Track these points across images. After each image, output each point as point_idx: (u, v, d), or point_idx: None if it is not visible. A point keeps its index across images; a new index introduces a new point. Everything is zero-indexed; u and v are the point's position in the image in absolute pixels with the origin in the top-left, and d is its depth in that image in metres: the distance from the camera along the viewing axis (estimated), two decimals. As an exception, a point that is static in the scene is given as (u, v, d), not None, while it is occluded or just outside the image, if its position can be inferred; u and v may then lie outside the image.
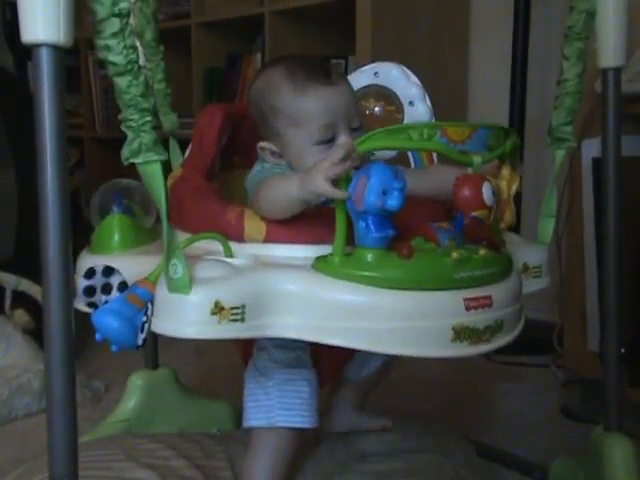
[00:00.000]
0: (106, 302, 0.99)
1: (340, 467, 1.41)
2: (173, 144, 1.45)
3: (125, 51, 0.87)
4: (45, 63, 0.82)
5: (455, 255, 0.98)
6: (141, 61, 1.28)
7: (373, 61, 1.47)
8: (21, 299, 2.11)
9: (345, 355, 1.37)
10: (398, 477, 1.36)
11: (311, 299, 0.96)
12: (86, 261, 1.14)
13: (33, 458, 1.41)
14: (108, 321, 0.94)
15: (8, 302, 2.10)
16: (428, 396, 1.89)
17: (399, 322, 0.96)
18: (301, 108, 1.16)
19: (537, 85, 2.36)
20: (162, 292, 0.94)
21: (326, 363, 1.28)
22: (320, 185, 0.94)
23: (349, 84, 1.22)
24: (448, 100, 2.70)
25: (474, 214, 0.99)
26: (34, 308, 2.07)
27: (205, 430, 1.56)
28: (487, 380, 2.11)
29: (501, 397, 2.01)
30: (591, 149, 1.80)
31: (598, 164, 1.77)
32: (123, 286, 1.02)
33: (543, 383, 2.08)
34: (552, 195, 1.27)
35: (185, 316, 0.92)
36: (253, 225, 1.07)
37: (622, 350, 1.27)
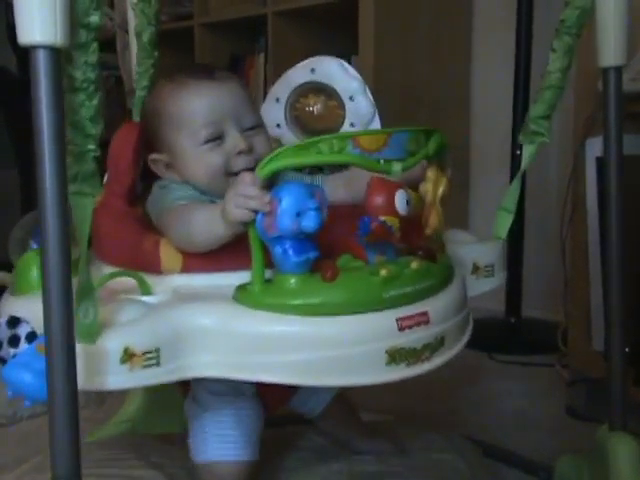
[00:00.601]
0: (15, 355, 0.93)
1: (343, 465, 1.37)
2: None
3: (84, 67, 0.83)
4: (42, 64, 0.78)
5: (384, 272, 0.92)
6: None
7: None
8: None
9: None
10: (414, 474, 1.34)
11: (229, 333, 0.91)
12: (5, 303, 1.07)
13: (35, 456, 1.43)
14: (18, 376, 0.89)
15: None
16: (430, 397, 1.87)
17: (327, 351, 0.91)
18: (181, 107, 1.12)
19: (539, 84, 2.32)
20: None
21: (269, 390, 1.21)
22: (237, 216, 0.90)
23: (239, 83, 1.18)
24: (450, 101, 2.69)
25: (382, 219, 0.93)
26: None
27: None
28: (491, 380, 2.09)
29: (505, 397, 1.98)
30: (595, 148, 1.78)
31: (602, 163, 1.74)
32: (32, 336, 0.94)
33: (548, 382, 2.05)
34: (515, 190, 1.24)
35: (96, 367, 0.87)
36: (169, 255, 1.02)
37: (626, 349, 1.23)
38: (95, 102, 0.85)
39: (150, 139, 1.19)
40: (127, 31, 1.51)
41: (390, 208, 0.93)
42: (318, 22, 2.88)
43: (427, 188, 0.98)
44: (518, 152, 1.26)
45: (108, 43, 2.80)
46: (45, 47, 0.78)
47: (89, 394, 1.88)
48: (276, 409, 1.29)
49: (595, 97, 1.46)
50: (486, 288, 1.20)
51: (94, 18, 0.82)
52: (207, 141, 1.12)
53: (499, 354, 2.19)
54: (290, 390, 1.32)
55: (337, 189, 1.13)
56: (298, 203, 0.88)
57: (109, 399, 1.91)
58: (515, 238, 2.25)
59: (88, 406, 1.83)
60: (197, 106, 1.12)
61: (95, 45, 0.84)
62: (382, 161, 0.94)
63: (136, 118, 1.32)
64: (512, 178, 1.32)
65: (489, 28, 2.66)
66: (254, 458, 1.17)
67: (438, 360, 0.97)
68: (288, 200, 0.88)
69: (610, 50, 1.15)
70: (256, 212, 0.89)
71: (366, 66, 2.45)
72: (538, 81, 2.14)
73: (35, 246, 1.17)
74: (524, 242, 2.33)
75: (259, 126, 1.16)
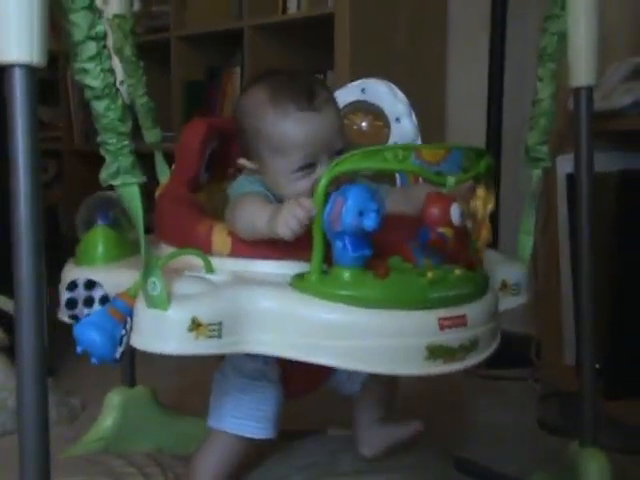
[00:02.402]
0: (88, 315, 1.01)
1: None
2: (159, 157, 1.47)
3: (102, 74, 0.88)
4: (18, 83, 0.82)
5: (430, 275, 1.00)
6: (120, 77, 1.31)
7: (352, 76, 1.48)
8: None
9: (321, 372, 1.37)
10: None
11: (287, 316, 0.97)
12: (70, 273, 1.16)
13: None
14: (89, 334, 0.96)
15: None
16: (407, 410, 1.87)
17: (374, 340, 0.97)
18: (282, 135, 1.15)
19: (513, 101, 2.38)
20: (141, 307, 0.95)
21: (298, 378, 1.30)
22: (282, 232, 0.98)
23: (334, 107, 1.21)
24: (426, 116, 2.64)
25: (440, 230, 1.01)
26: (8, 325, 2.05)
27: (182, 449, 1.54)
28: (465, 393, 2.12)
29: (479, 410, 2.01)
30: (565, 165, 1.83)
31: (572, 180, 1.80)
32: (105, 299, 1.03)
33: (520, 396, 2.09)
34: (530, 213, 1.29)
35: (162, 332, 0.94)
36: (220, 240, 1.10)
37: (597, 366, 1.28)
38: (119, 102, 0.90)
39: (241, 142, 1.24)
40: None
41: (446, 219, 1.01)
42: (294, 36, 2.88)
43: (477, 205, 1.06)
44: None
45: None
46: (21, 66, 0.82)
47: (61, 411, 1.86)
48: (298, 396, 1.35)
49: (564, 115, 1.48)
50: (512, 305, 1.25)
51: (100, 28, 0.87)
52: (300, 169, 1.15)
53: (472, 368, 2.17)
54: (314, 382, 1.39)
55: (395, 201, 1.17)
56: (362, 203, 0.95)
57: (81, 417, 1.90)
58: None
59: (59, 424, 1.81)
60: (297, 139, 1.14)
61: (106, 52, 0.88)
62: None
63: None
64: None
65: (463, 44, 2.70)
66: (265, 436, 1.26)
67: (470, 361, 1.05)
68: (353, 199, 0.95)
69: (581, 70, 1.21)
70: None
71: (342, 81, 2.38)
72: (511, 97, 2.20)
73: (101, 222, 1.24)
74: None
75: (346, 145, 1.19)
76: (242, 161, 1.23)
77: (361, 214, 0.94)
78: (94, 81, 0.87)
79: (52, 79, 3.72)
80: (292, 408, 1.32)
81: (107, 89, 0.88)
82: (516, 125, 2.38)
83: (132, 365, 1.61)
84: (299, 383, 1.32)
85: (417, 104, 1.43)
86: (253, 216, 1.06)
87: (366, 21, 2.53)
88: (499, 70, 2.34)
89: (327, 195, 0.97)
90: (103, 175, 0.91)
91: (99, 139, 0.91)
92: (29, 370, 0.86)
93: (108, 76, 0.88)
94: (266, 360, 1.23)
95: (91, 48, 0.86)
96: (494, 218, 1.11)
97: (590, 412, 1.29)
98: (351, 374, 1.39)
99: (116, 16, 1.38)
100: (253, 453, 1.32)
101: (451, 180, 1.02)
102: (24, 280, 0.85)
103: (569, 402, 1.84)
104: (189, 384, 2.06)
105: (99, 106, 0.89)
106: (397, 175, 1.40)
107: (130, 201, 0.93)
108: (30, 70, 0.82)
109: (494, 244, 1.26)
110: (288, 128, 1.14)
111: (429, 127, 2.74)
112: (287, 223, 0.97)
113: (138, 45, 1.41)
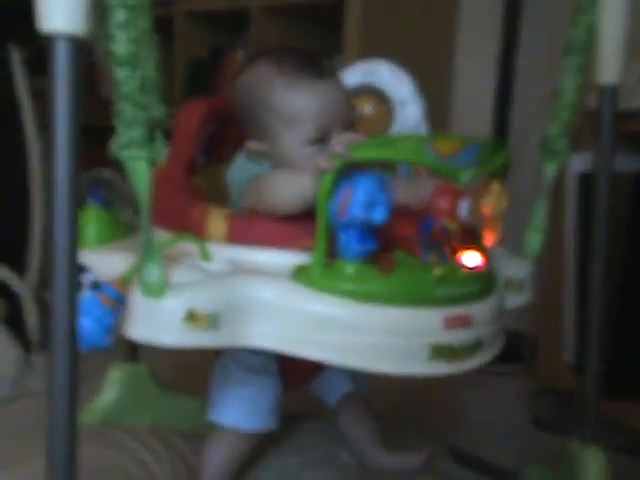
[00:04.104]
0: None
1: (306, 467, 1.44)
2: (158, 137, 1.42)
3: (127, 43, 0.86)
4: (62, 54, 0.79)
5: (437, 272, 0.97)
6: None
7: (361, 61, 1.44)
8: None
9: (312, 368, 1.35)
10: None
11: (288, 310, 0.94)
12: None
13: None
14: (78, 320, 0.91)
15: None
16: (396, 405, 1.87)
17: (377, 337, 0.94)
18: (293, 104, 1.11)
19: (519, 98, 2.34)
20: (135, 295, 0.92)
21: (292, 372, 1.28)
22: (323, 165, 0.94)
23: (339, 79, 1.18)
24: (431, 105, 2.67)
25: (444, 223, 0.99)
26: (9, 297, 2.04)
27: (179, 426, 1.56)
28: (457, 388, 2.09)
29: (471, 405, 2.00)
30: (577, 164, 1.80)
31: (586, 179, 1.78)
32: (95, 285, 0.99)
33: (513, 393, 2.07)
34: (540, 209, 1.25)
35: (156, 322, 0.90)
36: (216, 224, 1.06)
37: (602, 367, 1.26)
38: (139, 73, 0.88)
39: (246, 123, 1.19)
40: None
41: (452, 212, 0.98)
42: (303, 19, 2.84)
43: (491, 201, 1.02)
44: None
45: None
46: (67, 37, 0.79)
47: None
48: (295, 389, 1.34)
49: (581, 113, 1.48)
50: (517, 303, 1.22)
51: None
52: (314, 142, 1.11)
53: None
54: (311, 375, 1.39)
55: (399, 194, 1.13)
56: (372, 195, 0.91)
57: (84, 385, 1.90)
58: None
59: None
60: (311, 107, 1.11)
61: (136, 22, 0.87)
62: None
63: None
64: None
65: (474, 36, 2.66)
66: (264, 430, 1.25)
67: (473, 362, 1.01)
68: (362, 190, 0.91)
69: (608, 68, 1.17)
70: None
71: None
72: (520, 90, 2.17)
73: (92, 202, 1.20)
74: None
75: (355, 122, 1.16)
76: (253, 144, 1.17)
77: (370, 207, 0.91)
78: (119, 48, 0.86)
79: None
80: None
81: (130, 57, 0.87)
82: (521, 126, 2.37)
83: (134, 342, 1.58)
84: (294, 377, 1.30)
85: (425, 90, 1.40)
86: (296, 182, 1.02)
87: (378, 5, 2.48)
88: (510, 60, 2.28)
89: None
90: (113, 146, 0.89)
91: (115, 108, 0.88)
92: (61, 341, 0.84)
93: (133, 45, 0.86)
94: (268, 354, 1.20)
95: (121, 15, 0.85)
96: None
97: (592, 410, 1.27)
98: (335, 382, 1.40)
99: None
100: (258, 444, 1.31)
101: (465, 175, 0.97)
102: (59, 258, 0.83)
103: (563, 400, 1.85)
104: (188, 362, 2.05)
105: (120, 73, 0.87)
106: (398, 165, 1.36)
107: (137, 178, 0.90)
108: (75, 42, 0.79)
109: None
110: (300, 96, 1.11)
111: (433, 118, 2.75)
112: (329, 157, 0.94)
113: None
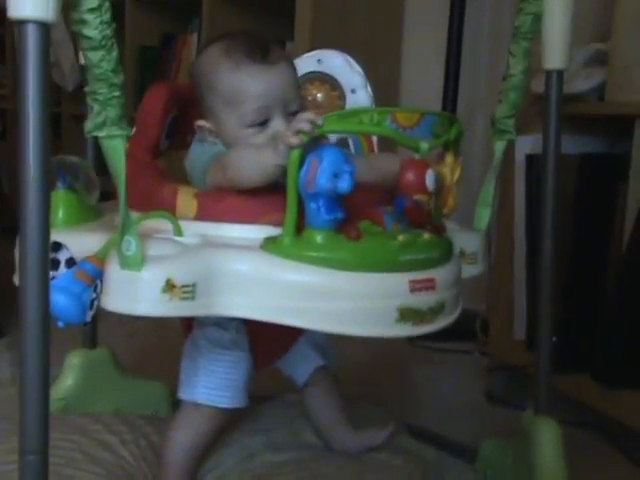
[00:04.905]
0: (53, 278, 0.97)
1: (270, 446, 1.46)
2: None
3: (101, 26, 0.87)
4: (32, 39, 0.80)
5: (401, 238, 1.01)
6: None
7: (312, 48, 1.48)
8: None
9: (282, 342, 1.39)
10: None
11: (260, 279, 0.97)
12: None
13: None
14: (56, 297, 0.93)
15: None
16: (354, 381, 1.89)
17: (346, 302, 0.98)
18: (235, 87, 1.15)
19: (466, 82, 2.39)
20: (113, 269, 0.94)
21: (262, 348, 1.30)
22: (293, 140, 0.97)
23: (290, 65, 1.21)
24: (381, 89, 2.68)
25: (415, 197, 1.02)
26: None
27: (141, 411, 1.56)
28: (411, 365, 2.15)
29: (425, 382, 2.04)
30: (524, 146, 1.84)
31: (531, 160, 1.84)
32: (71, 262, 1.00)
33: (466, 369, 2.13)
34: (490, 185, 1.30)
35: (136, 293, 0.93)
36: (185, 203, 1.09)
37: (553, 339, 1.30)
38: (114, 54, 0.91)
39: (197, 100, 1.23)
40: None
41: (422, 185, 1.01)
42: (254, 5, 2.86)
43: (445, 172, 1.06)
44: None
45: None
46: (35, 22, 0.80)
47: (16, 373, 1.84)
48: (265, 366, 1.36)
49: (526, 97, 1.53)
50: (470, 274, 1.26)
51: None
52: (253, 125, 1.15)
53: (418, 339, 2.20)
54: (281, 350, 1.40)
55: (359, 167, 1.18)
56: (336, 165, 0.95)
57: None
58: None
59: (15, 384, 1.77)
60: (250, 91, 1.14)
61: (107, 4, 0.88)
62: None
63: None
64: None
65: (421, 24, 2.71)
66: (237, 405, 1.26)
67: (438, 324, 1.06)
68: (328, 160, 0.95)
69: (554, 53, 1.21)
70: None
71: (301, 53, 2.41)
72: (466, 79, 2.21)
73: (60, 186, 1.21)
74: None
75: (303, 109, 1.18)
76: (200, 122, 1.21)
77: (335, 176, 0.94)
78: (92, 32, 0.87)
79: (-1, 35, 3.54)
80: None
81: (104, 40, 0.88)
82: (469, 108, 2.42)
83: (94, 327, 1.59)
84: (264, 353, 1.32)
85: (373, 77, 1.44)
86: (255, 156, 1.06)
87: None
88: (456, 51, 2.33)
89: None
90: (89, 126, 0.91)
91: (88, 89, 0.91)
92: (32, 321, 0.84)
93: (105, 28, 0.88)
94: (239, 329, 1.24)
95: (94, 1, 0.86)
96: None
97: (546, 382, 1.31)
98: (304, 357, 1.42)
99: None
100: (225, 422, 1.32)
101: (425, 145, 1.02)
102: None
103: (515, 375, 1.89)
104: (142, 348, 2.07)
105: (94, 57, 0.89)
106: (350, 143, 1.41)
107: (113, 154, 0.93)
108: (44, 27, 0.80)
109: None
110: (241, 79, 1.14)
111: (383, 103, 2.77)
112: (289, 139, 0.97)
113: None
